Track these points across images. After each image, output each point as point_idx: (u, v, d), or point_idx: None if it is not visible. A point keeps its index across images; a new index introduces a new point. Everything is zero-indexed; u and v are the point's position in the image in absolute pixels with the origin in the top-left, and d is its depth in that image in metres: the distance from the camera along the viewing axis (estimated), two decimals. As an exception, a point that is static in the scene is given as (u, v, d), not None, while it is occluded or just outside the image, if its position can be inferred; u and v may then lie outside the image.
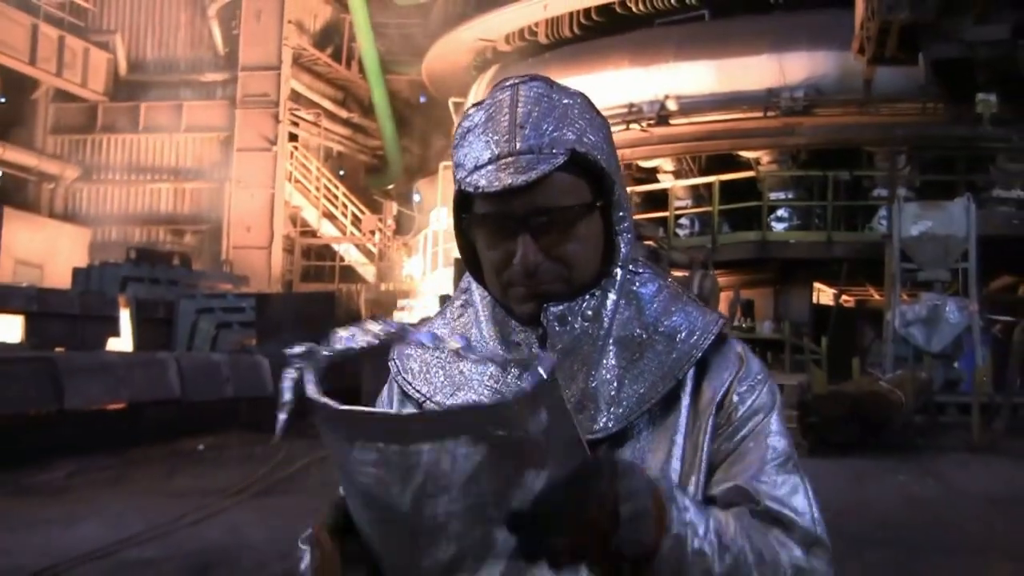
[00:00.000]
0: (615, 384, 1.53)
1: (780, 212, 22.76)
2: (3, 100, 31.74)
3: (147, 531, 7.92)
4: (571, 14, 26.77)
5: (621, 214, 1.58)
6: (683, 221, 23.73)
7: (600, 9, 26.17)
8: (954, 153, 21.29)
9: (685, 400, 1.56)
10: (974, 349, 17.09)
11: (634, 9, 25.62)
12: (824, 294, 23.57)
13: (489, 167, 1.47)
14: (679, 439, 1.55)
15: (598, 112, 1.61)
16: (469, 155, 1.50)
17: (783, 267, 22.50)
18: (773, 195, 22.84)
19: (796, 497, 1.55)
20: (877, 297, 21.84)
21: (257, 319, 19.38)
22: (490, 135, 1.50)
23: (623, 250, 1.58)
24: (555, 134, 1.50)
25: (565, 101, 1.56)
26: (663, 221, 23.03)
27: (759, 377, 1.62)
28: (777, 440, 1.58)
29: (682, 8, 25.07)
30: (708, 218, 22.91)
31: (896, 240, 18.48)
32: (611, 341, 1.56)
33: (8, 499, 9.27)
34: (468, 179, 1.48)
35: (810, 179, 22.56)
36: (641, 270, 1.65)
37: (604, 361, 1.54)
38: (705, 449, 1.55)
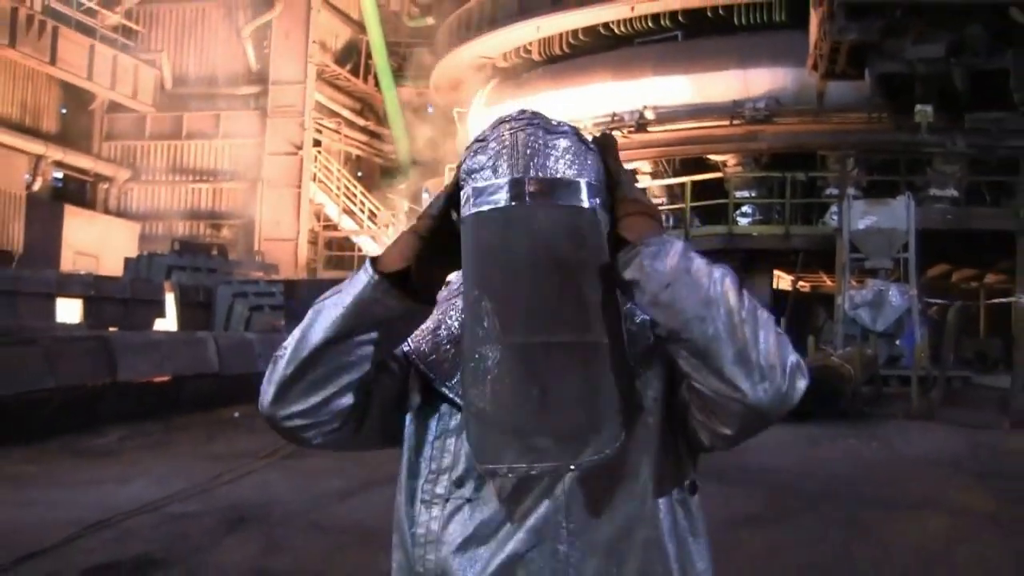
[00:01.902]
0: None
1: (745, 209, 22.76)
2: (64, 111, 31.69)
3: (189, 488, 7.93)
4: (561, 34, 26.70)
5: None
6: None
7: (586, 30, 26.10)
8: (896, 157, 21.27)
9: None
10: (914, 329, 17.10)
11: (616, 30, 25.56)
12: (783, 280, 23.56)
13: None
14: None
15: (587, 142, 1.56)
16: (481, 190, 1.50)
17: (747, 257, 22.45)
18: (738, 194, 22.83)
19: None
20: (829, 283, 21.83)
21: (285, 302, 19.36)
22: (499, 171, 1.49)
23: None
24: (560, 173, 1.49)
25: (563, 142, 1.52)
26: (642, 216, 23.00)
27: None
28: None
29: (658, 29, 25.00)
30: (681, 214, 22.89)
31: (846, 233, 18.47)
32: None
33: (68, 460, 9.28)
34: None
35: (771, 180, 22.54)
36: None
37: None
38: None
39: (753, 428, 1.52)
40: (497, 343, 1.46)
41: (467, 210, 1.50)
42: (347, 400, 1.58)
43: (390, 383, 1.66)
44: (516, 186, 1.46)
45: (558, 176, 1.48)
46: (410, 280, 1.54)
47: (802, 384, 1.48)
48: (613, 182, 1.54)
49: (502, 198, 1.46)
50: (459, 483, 1.62)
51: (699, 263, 1.49)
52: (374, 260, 1.57)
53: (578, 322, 1.45)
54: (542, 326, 1.44)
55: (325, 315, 1.56)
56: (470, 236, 1.49)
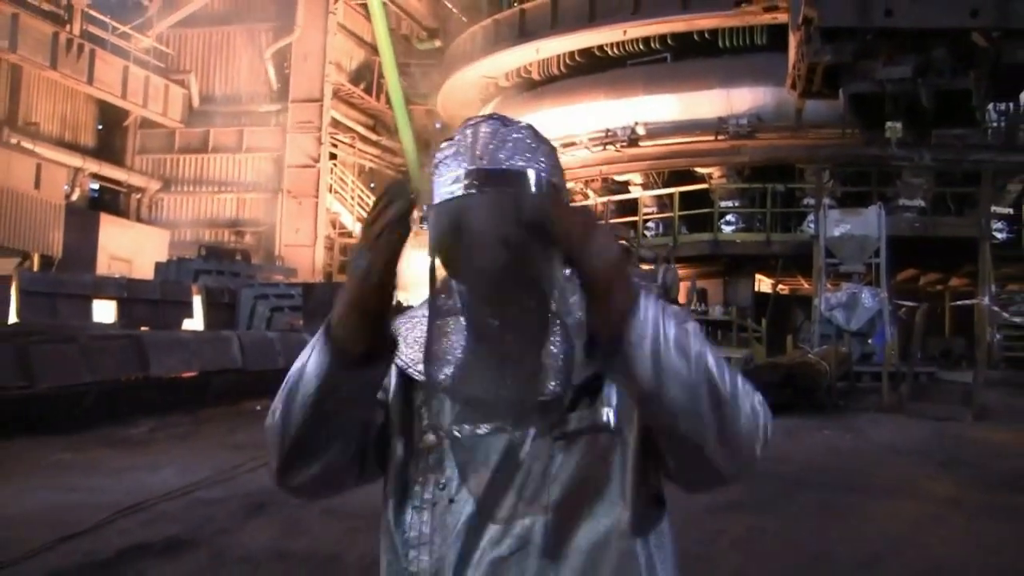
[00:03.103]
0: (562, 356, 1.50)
1: (728, 217, 22.76)
2: (100, 127, 31.73)
3: (214, 476, 7.93)
4: (558, 56, 26.70)
5: None
6: (650, 224, 23.74)
7: (582, 52, 26.10)
8: (868, 169, 21.29)
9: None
10: (884, 328, 17.09)
11: (610, 52, 25.55)
12: (764, 284, 23.58)
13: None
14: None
15: (544, 139, 1.57)
16: (443, 181, 1.50)
17: (731, 262, 22.51)
18: (723, 203, 22.83)
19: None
20: (806, 286, 21.83)
21: (304, 304, 19.33)
22: (457, 164, 1.50)
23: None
24: (508, 163, 1.49)
25: (515, 135, 1.53)
26: (634, 224, 23.03)
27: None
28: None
29: (649, 52, 25.00)
30: (670, 222, 22.93)
31: (822, 240, 18.49)
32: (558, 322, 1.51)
33: (104, 449, 9.29)
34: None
35: (753, 190, 22.56)
36: None
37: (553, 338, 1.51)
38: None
39: (715, 487, 1.55)
40: (458, 318, 1.52)
41: (433, 201, 1.52)
42: (344, 457, 1.61)
43: (379, 416, 1.66)
44: (468, 176, 1.48)
45: (503, 166, 1.49)
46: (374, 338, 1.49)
47: (766, 441, 1.50)
48: (560, 241, 1.43)
49: (458, 188, 1.48)
50: (443, 486, 1.61)
51: (673, 338, 1.40)
52: (328, 334, 1.50)
53: (522, 298, 1.47)
54: (493, 303, 1.48)
55: (298, 400, 1.52)
56: (432, 224, 1.51)
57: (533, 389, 1.48)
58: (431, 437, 1.64)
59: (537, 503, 1.54)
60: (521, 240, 1.45)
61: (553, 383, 1.48)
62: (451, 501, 1.59)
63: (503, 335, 1.49)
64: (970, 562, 6.15)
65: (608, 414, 1.53)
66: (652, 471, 1.59)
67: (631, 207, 24.05)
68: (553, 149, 1.58)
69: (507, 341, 1.49)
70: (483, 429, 1.58)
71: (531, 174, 1.50)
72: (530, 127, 1.57)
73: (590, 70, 25.88)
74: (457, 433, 1.63)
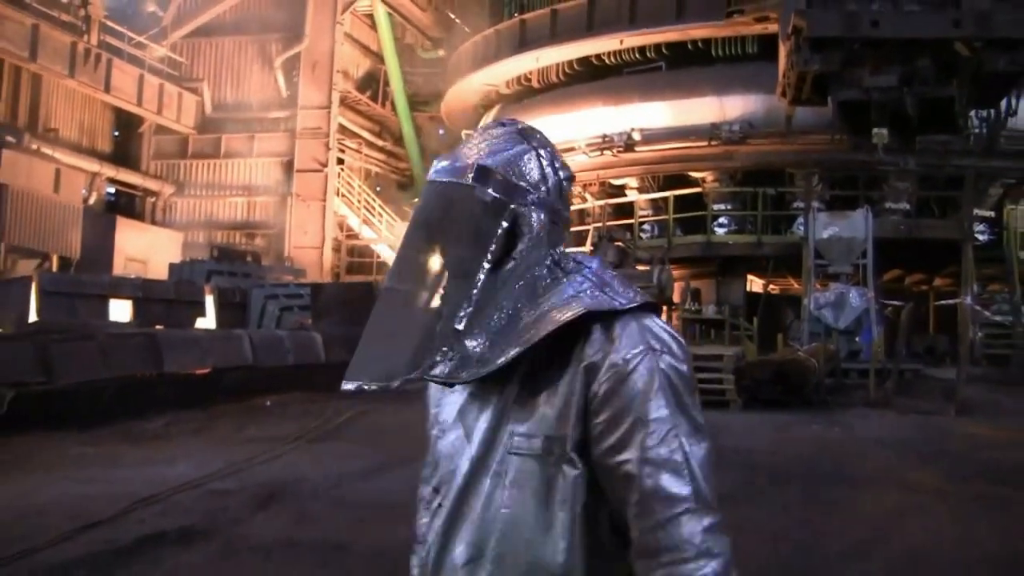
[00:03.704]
0: (487, 344, 1.46)
1: (721, 219, 22.75)
2: (117, 133, 31.76)
3: (227, 468, 7.96)
4: (557, 65, 26.70)
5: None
6: (646, 227, 23.73)
7: (580, 61, 26.10)
8: (855, 174, 21.28)
9: (557, 363, 1.47)
10: (871, 327, 17.10)
11: (607, 61, 25.56)
12: (755, 284, 23.58)
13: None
14: (547, 394, 1.46)
15: (519, 139, 1.58)
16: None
17: (723, 263, 22.51)
18: (716, 206, 22.81)
19: (677, 482, 1.42)
20: (796, 286, 21.84)
21: (312, 303, 19.34)
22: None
23: (519, 245, 1.52)
24: (468, 159, 1.53)
25: (493, 134, 1.59)
26: (630, 227, 23.03)
27: (627, 357, 1.45)
28: (655, 416, 1.43)
29: (644, 61, 25.01)
30: (665, 224, 22.90)
31: (811, 241, 18.50)
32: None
33: (120, 443, 9.32)
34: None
35: (744, 194, 22.53)
36: (565, 263, 1.57)
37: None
38: (575, 403, 1.45)
39: None
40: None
41: None
42: None
43: None
44: (432, 167, 1.57)
45: (457, 160, 1.54)
46: None
47: None
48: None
49: (430, 176, 1.56)
50: (437, 489, 1.60)
51: None
52: None
53: (423, 274, 1.47)
54: (399, 276, 1.50)
55: None
56: None
57: (394, 359, 1.45)
58: (432, 431, 1.66)
59: (489, 508, 1.50)
60: (443, 225, 1.50)
61: (467, 372, 1.45)
62: (440, 507, 1.58)
63: (388, 307, 1.52)
64: (952, 549, 6.17)
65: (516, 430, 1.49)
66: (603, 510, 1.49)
67: (627, 210, 24.05)
68: (526, 147, 1.58)
69: (390, 314, 1.51)
70: (449, 426, 1.59)
71: (472, 165, 1.51)
72: (515, 129, 1.60)
73: (588, 78, 25.87)
74: (437, 434, 1.64)
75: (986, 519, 6.91)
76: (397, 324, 1.49)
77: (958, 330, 19.18)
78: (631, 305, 1.49)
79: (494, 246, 1.49)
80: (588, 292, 1.51)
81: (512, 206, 1.52)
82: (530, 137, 1.60)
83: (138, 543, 5.62)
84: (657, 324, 1.51)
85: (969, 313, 18.75)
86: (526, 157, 1.57)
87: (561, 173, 1.61)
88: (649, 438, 1.42)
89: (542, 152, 1.59)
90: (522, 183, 1.54)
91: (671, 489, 1.41)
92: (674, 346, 1.49)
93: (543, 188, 1.56)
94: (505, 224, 1.51)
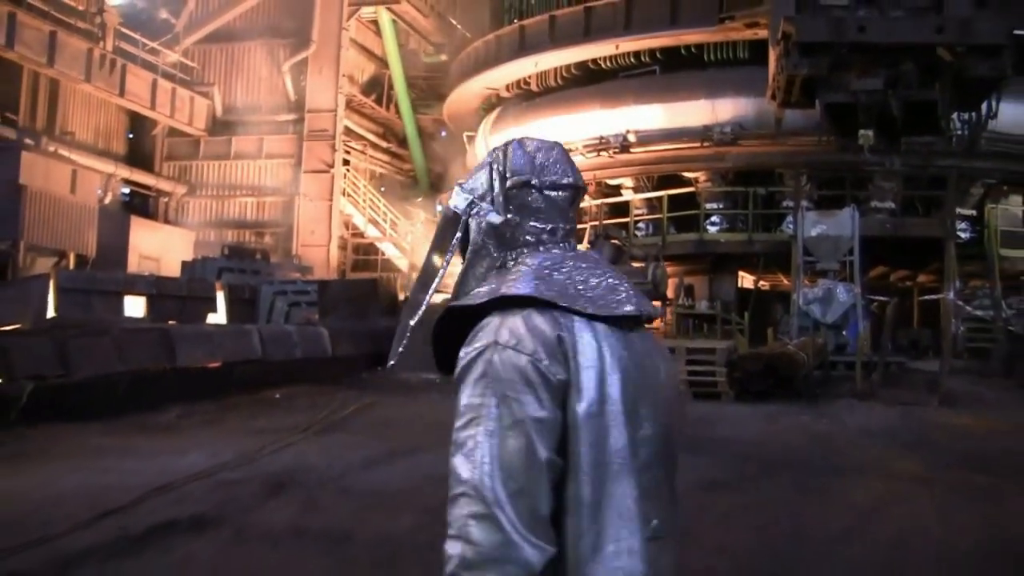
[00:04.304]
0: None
1: (713, 218, 22.73)
2: (131, 135, 31.79)
3: (237, 458, 7.97)
4: (556, 69, 26.68)
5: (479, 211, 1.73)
6: (640, 225, 23.73)
7: (577, 65, 26.09)
8: (842, 174, 21.27)
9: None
10: (858, 321, 17.11)
11: (603, 65, 25.55)
12: (746, 280, 23.57)
13: None
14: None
15: (493, 154, 1.76)
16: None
17: (715, 260, 22.50)
18: (708, 205, 22.80)
19: (465, 466, 1.46)
20: (786, 282, 21.83)
21: (319, 299, 19.37)
22: None
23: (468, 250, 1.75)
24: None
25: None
26: (626, 225, 23.04)
27: (469, 350, 1.54)
28: (465, 403, 1.51)
29: (639, 65, 24.99)
30: (659, 223, 22.91)
31: (799, 239, 18.50)
32: None
33: (134, 434, 9.31)
34: None
35: (736, 193, 22.53)
36: (510, 263, 1.69)
37: None
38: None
39: None
40: None
41: None
42: None
43: None
44: None
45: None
46: None
47: None
48: None
49: None
50: None
51: None
52: None
53: (420, 286, 1.81)
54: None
55: None
56: None
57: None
58: None
59: None
60: (432, 243, 1.78)
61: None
62: None
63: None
64: (935, 534, 6.18)
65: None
66: None
67: (623, 209, 24.06)
68: (485, 162, 1.75)
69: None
70: None
71: (454, 192, 1.77)
72: (500, 146, 1.77)
73: (585, 82, 25.86)
74: None
75: (967, 506, 6.91)
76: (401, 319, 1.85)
77: (941, 324, 19.15)
78: (479, 301, 1.58)
79: (450, 253, 1.73)
80: (484, 291, 1.61)
81: (464, 218, 1.71)
82: (493, 151, 1.75)
83: (151, 531, 5.62)
84: (522, 321, 1.54)
85: (951, 308, 18.74)
86: (480, 173, 1.74)
87: (509, 182, 1.69)
88: (457, 421, 1.50)
89: (495, 166, 1.72)
90: (475, 197, 1.72)
91: (458, 470, 1.47)
92: (527, 343, 1.51)
93: (488, 198, 1.71)
94: (459, 234, 1.72)
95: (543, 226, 1.70)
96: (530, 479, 1.46)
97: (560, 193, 1.73)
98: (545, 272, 1.61)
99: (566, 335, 1.53)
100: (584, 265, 1.66)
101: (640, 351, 1.63)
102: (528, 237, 1.70)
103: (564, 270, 1.62)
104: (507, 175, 1.70)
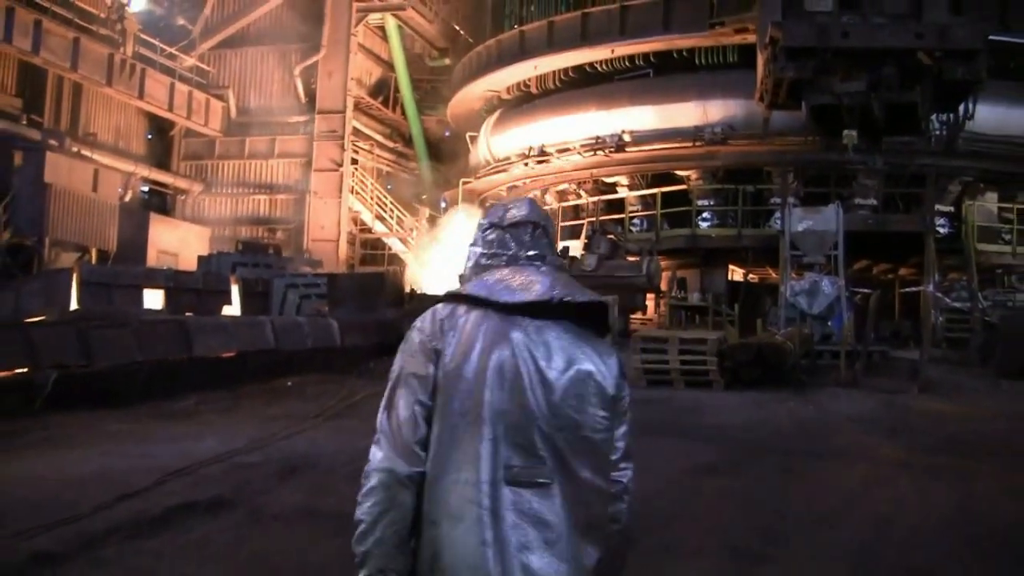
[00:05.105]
0: None
1: (705, 214, 22.73)
2: (150, 136, 31.78)
3: (251, 444, 7.97)
4: (554, 72, 26.64)
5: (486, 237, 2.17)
6: (635, 221, 23.73)
7: (575, 68, 26.04)
8: (827, 172, 21.26)
9: None
10: (842, 312, 17.08)
11: (599, 68, 25.51)
12: (736, 273, 23.57)
13: None
14: None
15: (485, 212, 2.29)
16: None
17: (707, 254, 22.50)
18: (699, 202, 22.80)
19: (380, 415, 1.99)
20: (773, 275, 21.81)
21: (329, 292, 19.36)
22: None
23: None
24: None
25: None
26: (621, 221, 23.04)
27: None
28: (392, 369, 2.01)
29: (634, 68, 24.94)
30: (653, 219, 22.88)
31: (787, 234, 18.46)
32: None
33: (153, 421, 9.32)
34: None
35: (726, 191, 22.51)
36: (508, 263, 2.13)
37: None
38: None
39: None
40: None
41: None
42: None
43: None
44: None
45: None
46: None
47: None
48: None
49: None
50: None
51: None
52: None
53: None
54: None
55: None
56: None
57: None
58: None
59: None
60: None
61: None
62: None
63: None
64: (915, 515, 6.19)
65: None
66: None
67: (618, 206, 24.05)
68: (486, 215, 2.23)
69: None
70: None
71: None
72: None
73: (582, 84, 25.82)
74: None
75: (946, 488, 6.93)
76: None
77: (921, 315, 19.15)
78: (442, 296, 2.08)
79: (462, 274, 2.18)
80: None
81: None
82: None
83: (170, 512, 5.63)
84: (431, 311, 2.01)
85: (931, 300, 18.72)
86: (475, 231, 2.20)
87: (481, 226, 2.17)
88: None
89: (482, 216, 2.22)
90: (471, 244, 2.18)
91: (377, 417, 2.00)
92: (427, 324, 1.99)
93: (474, 238, 2.17)
94: (470, 263, 2.17)
95: (502, 252, 2.10)
96: (406, 418, 1.93)
97: (518, 228, 2.11)
98: (484, 280, 2.02)
99: (453, 319, 1.96)
100: (520, 274, 2.01)
101: (532, 331, 1.93)
102: (490, 261, 2.11)
103: (497, 276, 2.01)
104: (484, 223, 2.18)
